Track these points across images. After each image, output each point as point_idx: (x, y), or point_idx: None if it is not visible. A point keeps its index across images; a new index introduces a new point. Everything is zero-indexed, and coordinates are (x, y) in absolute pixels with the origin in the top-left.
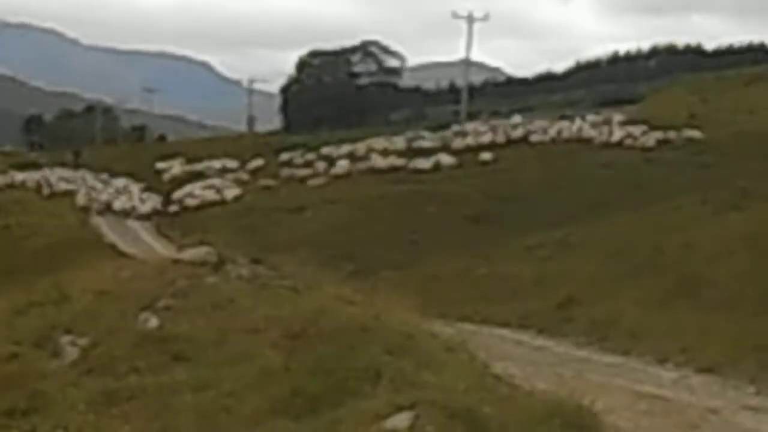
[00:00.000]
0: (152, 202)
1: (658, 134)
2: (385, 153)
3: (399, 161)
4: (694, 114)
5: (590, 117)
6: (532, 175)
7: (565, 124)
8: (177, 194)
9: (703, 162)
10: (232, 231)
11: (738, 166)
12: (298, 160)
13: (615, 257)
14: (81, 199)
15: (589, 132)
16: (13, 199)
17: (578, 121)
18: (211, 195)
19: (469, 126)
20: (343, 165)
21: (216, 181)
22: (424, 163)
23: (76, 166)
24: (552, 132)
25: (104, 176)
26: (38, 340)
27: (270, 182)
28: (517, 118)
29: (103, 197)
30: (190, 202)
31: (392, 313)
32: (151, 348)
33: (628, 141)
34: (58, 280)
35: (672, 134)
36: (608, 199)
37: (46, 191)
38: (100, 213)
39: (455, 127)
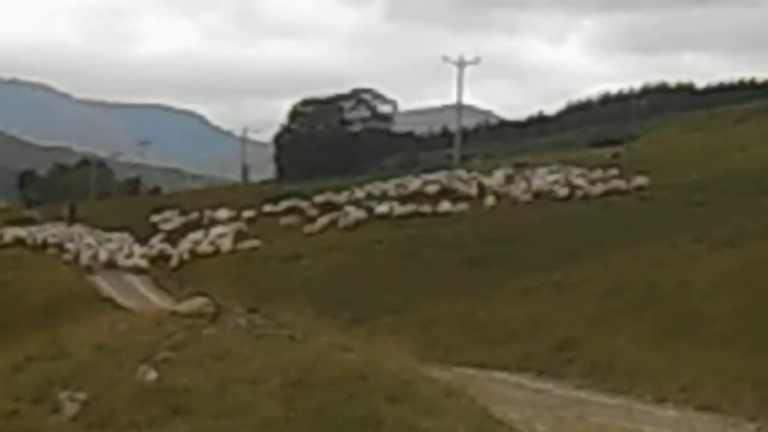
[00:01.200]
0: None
1: (602, 187)
2: (382, 198)
3: (400, 208)
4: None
5: (541, 170)
6: (526, 218)
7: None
8: (179, 247)
9: (697, 200)
10: (228, 281)
11: (732, 204)
12: (312, 211)
13: (611, 296)
14: (84, 259)
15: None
16: (10, 255)
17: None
18: (209, 246)
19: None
20: (354, 211)
21: (215, 232)
22: (424, 209)
23: (72, 222)
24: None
25: (101, 232)
26: (37, 395)
27: (314, 229)
28: (461, 173)
29: (103, 255)
30: (192, 252)
31: (391, 360)
32: (151, 401)
33: (579, 193)
34: (56, 335)
35: (621, 183)
36: (603, 239)
37: (53, 252)
38: (100, 270)
39: (422, 177)
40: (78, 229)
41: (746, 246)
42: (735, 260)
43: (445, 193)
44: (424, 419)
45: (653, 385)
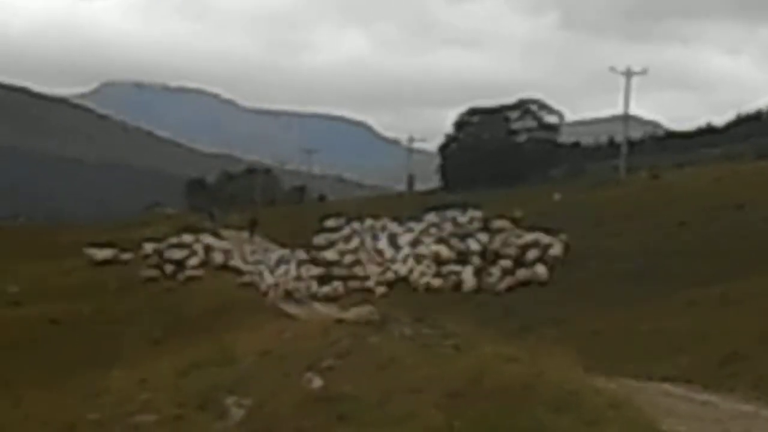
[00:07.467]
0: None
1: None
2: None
3: None
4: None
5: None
6: (692, 231)
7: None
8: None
9: None
10: (393, 290)
11: None
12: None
13: None
14: (279, 287)
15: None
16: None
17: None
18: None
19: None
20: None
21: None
22: None
23: (252, 236)
24: None
25: (275, 250)
26: (202, 401)
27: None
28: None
29: (287, 279)
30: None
31: (555, 370)
32: (316, 408)
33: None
34: (222, 342)
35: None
36: None
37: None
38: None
39: None
40: (256, 243)
41: None
42: None
43: None
44: (589, 430)
45: None
